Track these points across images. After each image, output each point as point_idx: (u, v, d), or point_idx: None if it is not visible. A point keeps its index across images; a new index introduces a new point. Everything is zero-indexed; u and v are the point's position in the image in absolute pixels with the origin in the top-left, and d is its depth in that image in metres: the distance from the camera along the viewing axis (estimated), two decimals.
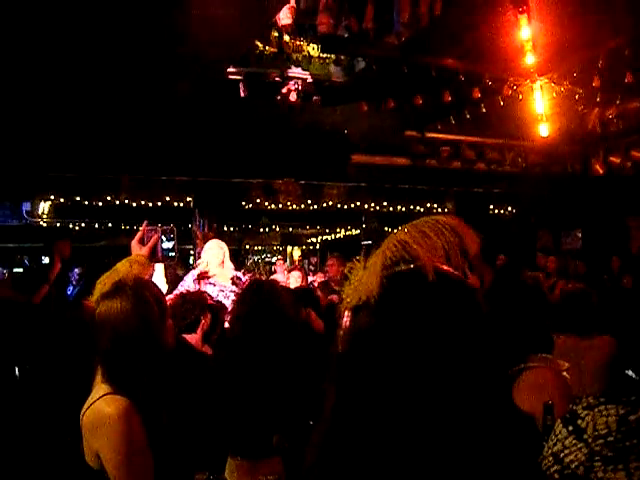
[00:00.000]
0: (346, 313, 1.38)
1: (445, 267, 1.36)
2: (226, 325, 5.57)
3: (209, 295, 6.38)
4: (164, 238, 3.76)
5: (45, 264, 12.10)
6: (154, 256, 3.68)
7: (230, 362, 4.30)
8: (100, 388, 2.85)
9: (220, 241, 7.54)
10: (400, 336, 1.27)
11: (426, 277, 1.31)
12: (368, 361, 1.30)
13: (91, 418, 2.78)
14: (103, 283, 3.11)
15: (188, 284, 6.80)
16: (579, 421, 2.27)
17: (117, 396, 2.77)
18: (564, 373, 3.83)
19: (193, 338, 5.21)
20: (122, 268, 3.24)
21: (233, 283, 6.95)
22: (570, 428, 2.29)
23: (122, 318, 2.84)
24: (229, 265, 7.24)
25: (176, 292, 6.52)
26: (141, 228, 3.73)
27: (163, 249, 3.75)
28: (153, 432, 2.85)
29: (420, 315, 1.29)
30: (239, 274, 7.24)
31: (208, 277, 6.89)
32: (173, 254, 3.85)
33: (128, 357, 2.83)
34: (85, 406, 2.84)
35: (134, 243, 3.69)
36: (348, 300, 1.41)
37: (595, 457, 1.97)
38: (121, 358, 2.84)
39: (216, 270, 6.97)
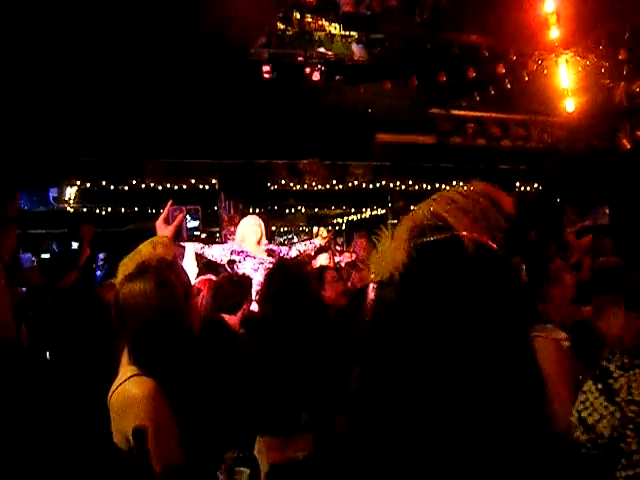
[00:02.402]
0: (371, 286, 1.36)
1: (482, 238, 1.30)
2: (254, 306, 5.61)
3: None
4: (189, 217, 3.77)
5: (74, 249, 12.19)
6: (179, 236, 3.69)
7: (260, 341, 4.32)
8: (127, 370, 2.87)
9: (257, 217, 7.51)
10: (431, 312, 1.22)
11: (462, 247, 1.26)
12: (394, 340, 1.25)
13: (119, 399, 2.81)
14: (126, 265, 3.13)
15: (225, 253, 6.86)
16: (611, 380, 2.22)
17: (144, 377, 2.79)
18: (564, 342, 3.81)
19: (232, 319, 5.24)
20: (145, 249, 3.25)
21: (269, 255, 6.96)
22: (600, 386, 2.24)
23: (145, 301, 2.85)
24: (264, 242, 7.23)
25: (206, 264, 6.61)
26: (166, 208, 3.73)
27: (188, 229, 3.76)
28: (181, 412, 2.87)
29: (455, 288, 1.23)
30: (272, 246, 7.23)
31: (242, 252, 6.91)
32: (198, 233, 3.86)
33: (152, 339, 2.84)
34: (113, 388, 2.87)
35: (159, 223, 3.69)
36: (373, 272, 1.35)
37: (629, 425, 1.95)
38: (146, 340, 2.85)
39: (252, 247, 6.98)
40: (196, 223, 3.83)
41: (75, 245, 12.39)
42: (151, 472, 2.55)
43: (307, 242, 8.06)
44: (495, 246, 1.30)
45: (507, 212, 1.38)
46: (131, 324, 2.87)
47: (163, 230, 3.65)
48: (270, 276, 4.64)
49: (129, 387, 2.79)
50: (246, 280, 5.64)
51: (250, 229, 7.13)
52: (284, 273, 4.55)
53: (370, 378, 1.30)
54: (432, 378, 1.17)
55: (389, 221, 17.15)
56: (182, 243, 6.36)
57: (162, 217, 3.70)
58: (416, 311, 1.22)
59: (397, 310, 1.27)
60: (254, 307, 5.55)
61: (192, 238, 3.89)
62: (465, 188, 1.44)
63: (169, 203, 3.76)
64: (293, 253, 7.37)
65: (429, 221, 1.30)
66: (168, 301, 2.87)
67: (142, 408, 2.71)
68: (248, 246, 6.97)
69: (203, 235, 3.85)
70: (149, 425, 2.66)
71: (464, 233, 1.25)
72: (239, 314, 5.28)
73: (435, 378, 1.17)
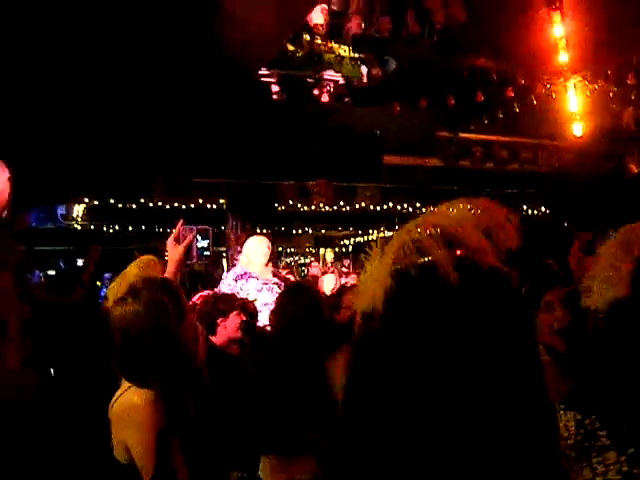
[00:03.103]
0: (357, 317, 1.21)
1: (484, 256, 1.15)
2: (263, 323, 5.59)
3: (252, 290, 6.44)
4: (199, 237, 3.79)
5: (79, 267, 12.21)
6: (189, 255, 3.71)
7: (267, 361, 4.31)
8: (126, 383, 2.89)
9: (266, 238, 7.41)
10: (419, 346, 1.09)
11: (446, 273, 1.10)
12: (377, 376, 1.13)
13: (119, 409, 2.83)
14: (115, 289, 3.15)
15: (228, 282, 6.81)
16: None
17: (143, 389, 2.81)
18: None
19: (214, 339, 5.22)
20: (131, 271, 3.28)
21: (274, 276, 6.91)
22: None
23: (133, 321, 2.86)
24: (259, 262, 7.14)
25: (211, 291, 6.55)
26: (177, 227, 3.76)
27: (198, 248, 3.78)
28: (181, 429, 2.87)
29: (443, 319, 1.10)
30: (254, 271, 7.14)
31: (245, 274, 6.86)
32: (208, 253, 3.88)
33: (141, 361, 2.85)
34: (113, 399, 2.89)
35: (170, 242, 3.72)
36: (357, 301, 1.21)
37: (562, 459, 1.96)
38: (134, 363, 2.87)
39: (258, 268, 6.91)
40: (206, 243, 3.86)
41: (80, 262, 12.42)
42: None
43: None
44: (499, 265, 1.16)
45: (511, 230, 1.24)
46: (120, 347, 2.89)
47: (173, 249, 3.68)
48: (283, 296, 4.64)
49: (130, 396, 2.81)
50: (221, 298, 5.59)
51: (259, 251, 7.07)
52: (297, 294, 4.55)
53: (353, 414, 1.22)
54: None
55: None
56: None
57: (173, 236, 3.73)
58: (402, 345, 1.12)
59: (381, 344, 1.15)
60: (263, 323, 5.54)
61: (202, 257, 3.92)
62: (464, 204, 1.27)
63: (180, 223, 3.79)
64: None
65: (416, 239, 1.16)
66: (157, 320, 2.88)
67: (141, 417, 2.73)
68: (254, 267, 6.92)
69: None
70: (148, 437, 2.67)
71: (442, 256, 1.11)
72: (220, 333, 5.24)
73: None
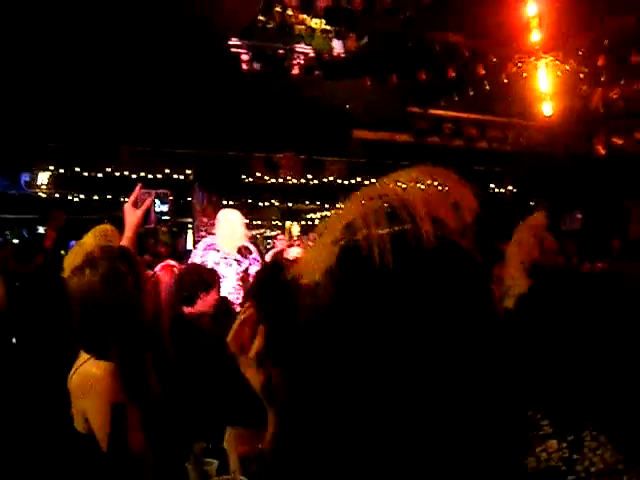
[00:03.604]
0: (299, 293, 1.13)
1: (450, 232, 1.08)
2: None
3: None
4: (158, 202, 3.72)
5: (40, 234, 12.09)
6: (147, 219, 3.65)
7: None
8: (85, 354, 2.85)
9: (236, 214, 7.33)
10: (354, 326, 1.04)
11: (419, 242, 1.04)
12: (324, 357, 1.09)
13: (78, 380, 2.80)
14: (71, 258, 3.11)
15: (199, 252, 6.80)
16: None
17: (102, 360, 2.77)
18: None
19: (189, 310, 5.19)
20: (88, 241, 3.23)
21: (239, 252, 6.87)
22: None
23: (90, 291, 2.83)
24: (242, 233, 7.09)
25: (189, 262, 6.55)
26: (135, 191, 3.69)
27: (157, 212, 3.71)
28: (140, 399, 2.85)
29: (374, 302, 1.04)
30: (249, 245, 7.10)
31: (211, 245, 6.86)
32: (167, 218, 3.80)
33: (99, 331, 2.82)
34: (72, 370, 2.85)
35: (127, 206, 3.65)
36: (300, 277, 1.15)
37: None
38: (92, 332, 2.83)
39: (224, 242, 6.89)
40: (165, 207, 3.78)
41: (42, 230, 12.30)
42: (124, 450, 2.53)
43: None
44: (465, 243, 1.10)
45: (472, 206, 1.18)
46: (78, 316, 2.86)
47: (131, 214, 3.62)
48: (259, 275, 4.61)
49: (88, 367, 2.79)
50: (207, 272, 5.57)
51: (225, 225, 7.04)
52: (274, 274, 4.51)
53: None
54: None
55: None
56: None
57: (131, 201, 3.66)
58: (347, 321, 1.05)
59: (326, 318, 1.09)
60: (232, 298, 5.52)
61: (160, 222, 3.84)
62: (423, 169, 1.20)
63: (138, 187, 3.72)
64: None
65: (381, 208, 1.08)
66: (115, 290, 2.85)
67: (100, 388, 2.70)
68: (220, 240, 6.89)
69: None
70: (107, 408, 2.64)
71: (426, 225, 1.03)
72: (198, 306, 5.22)
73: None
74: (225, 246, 6.83)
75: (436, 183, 1.15)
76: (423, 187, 1.13)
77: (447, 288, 1.04)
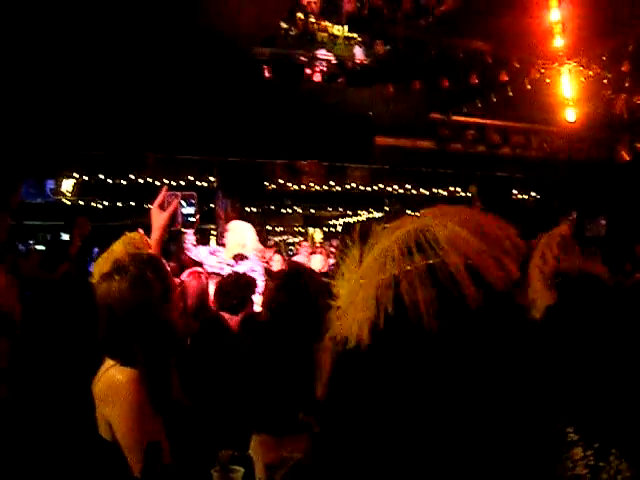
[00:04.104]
0: (331, 354, 1.07)
1: (487, 264, 1.00)
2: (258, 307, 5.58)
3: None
4: (184, 203, 3.74)
5: (64, 241, 12.15)
6: (174, 222, 3.67)
7: (260, 341, 4.29)
8: (110, 360, 2.87)
9: (243, 223, 7.39)
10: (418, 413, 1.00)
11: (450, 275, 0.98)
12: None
13: (102, 386, 2.82)
14: (100, 264, 3.13)
15: (203, 256, 6.81)
16: None
17: (126, 367, 2.79)
18: None
19: (233, 319, 5.21)
20: (117, 248, 3.25)
21: (234, 258, 6.88)
22: None
23: (119, 298, 2.85)
24: (251, 246, 7.10)
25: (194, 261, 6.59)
26: (161, 193, 3.70)
27: (183, 215, 3.73)
28: (165, 407, 2.86)
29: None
30: (249, 255, 7.07)
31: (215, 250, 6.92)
32: (193, 220, 3.82)
33: (126, 337, 2.84)
34: (97, 376, 2.87)
35: (154, 208, 3.67)
36: (334, 335, 1.10)
37: None
38: (119, 339, 2.85)
39: (225, 249, 6.94)
40: (192, 210, 3.81)
41: (66, 237, 12.35)
42: None
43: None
44: (504, 276, 1.02)
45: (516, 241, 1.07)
46: (105, 322, 2.88)
47: (158, 216, 3.63)
48: (281, 280, 4.61)
49: (113, 374, 2.80)
50: (252, 281, 5.61)
51: (227, 234, 7.11)
52: (295, 279, 4.52)
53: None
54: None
55: (385, 225, 17.00)
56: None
57: (157, 203, 3.68)
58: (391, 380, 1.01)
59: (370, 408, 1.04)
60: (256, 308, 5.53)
61: (187, 224, 3.86)
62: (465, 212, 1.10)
63: (164, 189, 3.74)
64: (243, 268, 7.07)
65: (412, 240, 1.03)
66: (143, 298, 2.87)
67: (125, 394, 2.72)
68: (227, 249, 6.94)
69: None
70: (131, 415, 2.66)
71: (456, 258, 0.98)
72: (241, 315, 5.25)
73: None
74: (225, 254, 6.86)
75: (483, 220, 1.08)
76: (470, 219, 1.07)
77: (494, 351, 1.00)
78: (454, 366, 0.99)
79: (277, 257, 9.51)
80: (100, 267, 3.13)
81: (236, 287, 5.29)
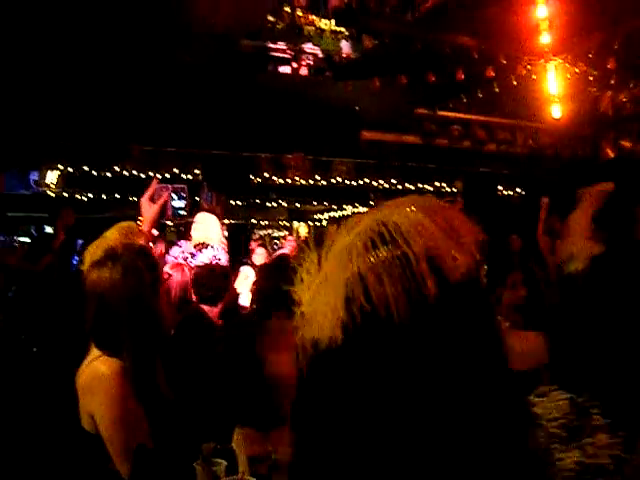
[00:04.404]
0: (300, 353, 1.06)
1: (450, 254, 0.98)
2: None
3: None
4: (175, 196, 3.74)
5: (48, 233, 12.13)
6: (164, 214, 3.66)
7: (246, 334, 4.28)
8: (95, 351, 2.86)
9: (209, 215, 7.30)
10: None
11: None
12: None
13: (86, 378, 2.81)
14: (93, 251, 3.12)
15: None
16: (534, 408, 2.25)
17: (111, 358, 2.78)
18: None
19: (212, 311, 5.20)
20: (111, 236, 3.25)
21: (195, 247, 6.83)
22: None
23: (110, 286, 2.85)
24: (217, 239, 7.03)
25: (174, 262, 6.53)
26: (151, 186, 3.69)
27: (173, 207, 3.73)
28: (149, 399, 2.86)
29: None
30: (213, 244, 7.03)
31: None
32: (184, 213, 3.82)
33: (114, 326, 2.83)
34: (81, 368, 2.86)
35: (144, 200, 3.66)
36: (300, 332, 1.08)
37: (553, 439, 1.96)
38: (107, 327, 2.84)
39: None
40: (182, 203, 3.81)
41: (49, 229, 12.31)
42: None
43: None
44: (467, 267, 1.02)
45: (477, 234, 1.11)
46: (92, 310, 2.87)
47: (148, 208, 3.63)
48: (266, 270, 4.61)
49: (97, 365, 2.79)
50: (226, 271, 5.59)
51: (206, 228, 7.06)
52: (281, 272, 4.51)
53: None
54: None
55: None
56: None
57: (147, 195, 3.67)
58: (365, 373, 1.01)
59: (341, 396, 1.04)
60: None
61: (177, 217, 3.87)
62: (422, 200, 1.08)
63: (154, 181, 3.73)
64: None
65: (374, 233, 1.02)
66: (134, 287, 2.87)
67: (108, 386, 2.71)
68: (192, 240, 6.91)
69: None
70: (114, 407, 2.65)
71: (420, 249, 0.97)
72: (220, 305, 5.24)
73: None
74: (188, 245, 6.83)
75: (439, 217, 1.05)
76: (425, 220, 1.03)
77: (460, 336, 0.99)
78: (425, 357, 0.99)
79: (260, 250, 9.47)
80: (91, 254, 3.11)
81: (210, 278, 5.27)
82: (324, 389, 1.04)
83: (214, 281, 5.27)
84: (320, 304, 1.04)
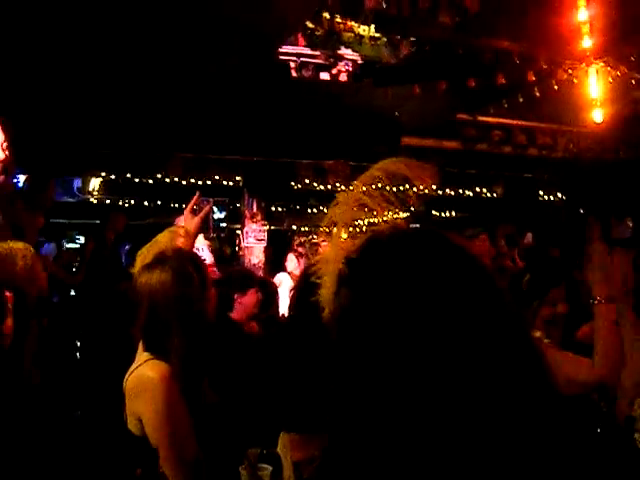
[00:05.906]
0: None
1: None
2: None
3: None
4: (216, 209, 3.80)
5: (82, 243, 12.31)
6: (205, 227, 3.72)
7: (289, 339, 4.29)
8: (142, 355, 2.90)
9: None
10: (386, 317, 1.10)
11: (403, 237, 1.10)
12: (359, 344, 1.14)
13: (134, 382, 2.85)
14: (144, 255, 3.17)
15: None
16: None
17: (159, 361, 2.82)
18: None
19: (233, 316, 5.23)
20: (162, 240, 3.29)
21: None
22: None
23: (161, 290, 2.89)
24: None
25: None
26: (193, 199, 3.75)
27: (214, 220, 3.78)
28: (195, 403, 2.89)
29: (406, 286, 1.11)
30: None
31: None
32: (225, 225, 3.88)
33: (165, 328, 2.87)
34: (128, 372, 2.90)
35: (186, 213, 3.73)
36: (318, 275, 1.20)
37: None
38: (158, 329, 2.88)
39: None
40: (223, 215, 3.86)
41: (82, 238, 12.47)
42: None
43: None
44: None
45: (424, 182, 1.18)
46: (144, 312, 2.91)
47: (189, 221, 3.68)
48: (304, 276, 4.63)
49: (145, 370, 2.83)
50: (238, 273, 5.61)
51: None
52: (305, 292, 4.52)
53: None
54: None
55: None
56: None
57: (189, 208, 3.73)
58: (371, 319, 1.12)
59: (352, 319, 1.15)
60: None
61: (218, 229, 3.92)
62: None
63: (197, 194, 3.78)
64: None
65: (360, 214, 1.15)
66: (185, 291, 2.91)
67: (156, 390, 2.75)
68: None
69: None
70: (162, 410, 2.69)
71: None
72: (239, 311, 5.24)
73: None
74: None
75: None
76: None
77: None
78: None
79: (291, 257, 9.51)
80: (143, 257, 3.17)
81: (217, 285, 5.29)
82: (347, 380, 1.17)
83: (227, 286, 5.30)
84: (325, 262, 1.20)
